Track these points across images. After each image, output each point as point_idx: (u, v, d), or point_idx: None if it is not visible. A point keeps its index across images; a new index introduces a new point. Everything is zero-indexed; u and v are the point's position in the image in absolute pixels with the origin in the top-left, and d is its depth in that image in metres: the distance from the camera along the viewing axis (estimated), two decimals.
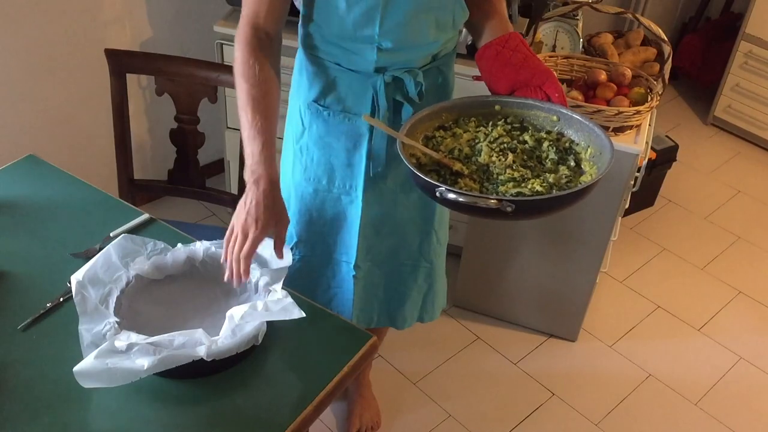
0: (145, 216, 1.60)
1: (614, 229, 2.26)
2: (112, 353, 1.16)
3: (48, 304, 1.37)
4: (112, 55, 1.92)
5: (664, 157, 3.01)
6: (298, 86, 1.58)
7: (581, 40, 2.33)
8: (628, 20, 3.50)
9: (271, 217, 1.28)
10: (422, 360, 2.41)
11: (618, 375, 2.45)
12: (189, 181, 2.07)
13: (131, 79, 2.25)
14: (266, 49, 1.40)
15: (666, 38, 2.13)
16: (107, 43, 2.40)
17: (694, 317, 2.68)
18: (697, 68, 3.82)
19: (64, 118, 2.48)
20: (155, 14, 2.55)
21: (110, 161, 2.05)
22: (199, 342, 1.18)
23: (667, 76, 2.10)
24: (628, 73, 2.14)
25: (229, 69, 1.93)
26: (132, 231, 1.56)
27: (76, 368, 1.14)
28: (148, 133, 2.76)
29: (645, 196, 3.09)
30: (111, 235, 1.53)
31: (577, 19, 2.34)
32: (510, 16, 2.28)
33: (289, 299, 1.25)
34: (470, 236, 2.43)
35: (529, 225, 2.33)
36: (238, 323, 1.22)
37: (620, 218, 2.32)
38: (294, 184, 1.65)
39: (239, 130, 1.96)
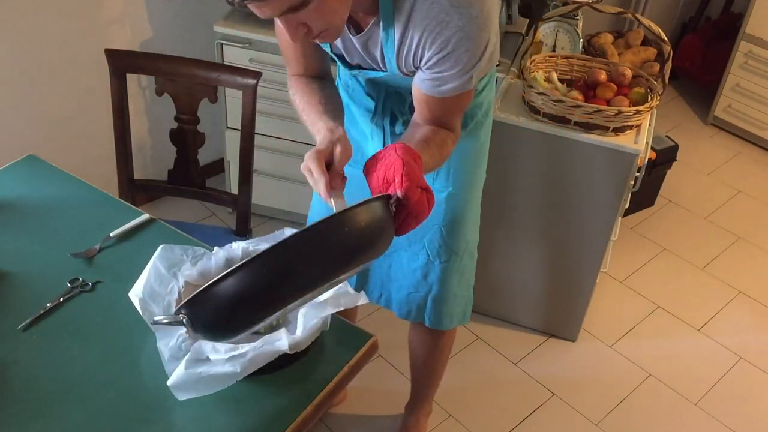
0: (145, 216, 1.60)
1: (614, 229, 2.26)
2: (200, 362, 1.16)
3: (48, 304, 1.37)
4: (112, 55, 1.93)
5: (664, 157, 3.01)
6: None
7: (581, 40, 2.33)
8: (628, 20, 3.50)
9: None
10: None
11: (618, 375, 2.45)
12: (189, 181, 2.07)
13: (131, 79, 2.25)
14: (321, 80, 1.44)
15: (666, 38, 2.13)
16: (107, 43, 2.40)
17: (694, 317, 2.68)
18: (697, 68, 3.82)
19: (64, 118, 2.48)
20: (155, 14, 2.55)
21: (110, 161, 2.05)
22: (277, 338, 1.20)
23: (667, 76, 2.10)
24: (628, 73, 2.14)
25: (229, 69, 1.95)
26: (132, 231, 1.56)
27: (170, 382, 1.14)
28: (148, 133, 2.76)
29: (645, 196, 3.09)
30: (111, 235, 1.53)
31: (577, 19, 2.34)
32: (510, 16, 2.30)
33: (350, 288, 1.28)
34: None
35: (530, 225, 2.33)
36: (307, 317, 1.25)
37: (620, 218, 2.32)
38: None
39: (239, 130, 1.99)
